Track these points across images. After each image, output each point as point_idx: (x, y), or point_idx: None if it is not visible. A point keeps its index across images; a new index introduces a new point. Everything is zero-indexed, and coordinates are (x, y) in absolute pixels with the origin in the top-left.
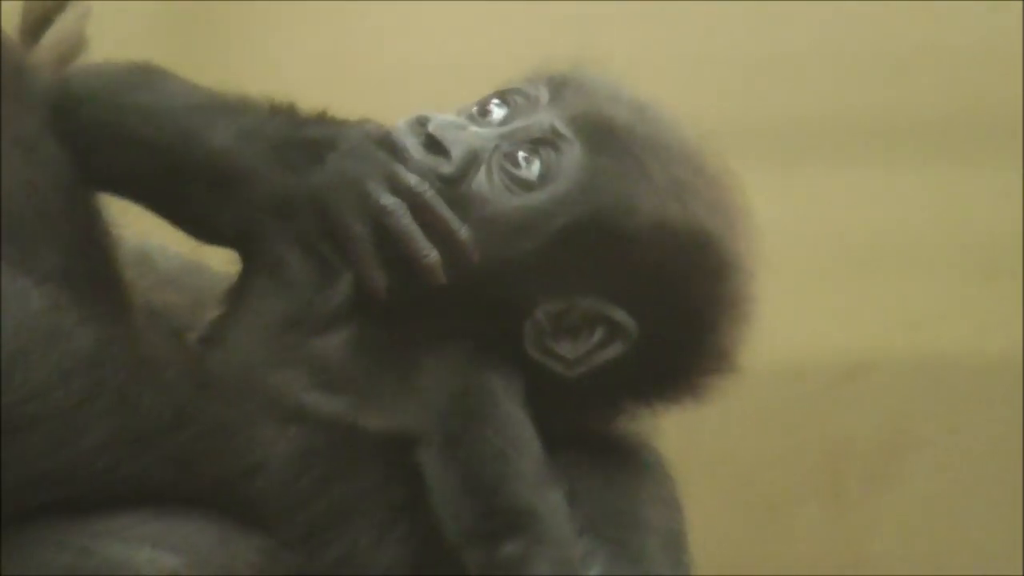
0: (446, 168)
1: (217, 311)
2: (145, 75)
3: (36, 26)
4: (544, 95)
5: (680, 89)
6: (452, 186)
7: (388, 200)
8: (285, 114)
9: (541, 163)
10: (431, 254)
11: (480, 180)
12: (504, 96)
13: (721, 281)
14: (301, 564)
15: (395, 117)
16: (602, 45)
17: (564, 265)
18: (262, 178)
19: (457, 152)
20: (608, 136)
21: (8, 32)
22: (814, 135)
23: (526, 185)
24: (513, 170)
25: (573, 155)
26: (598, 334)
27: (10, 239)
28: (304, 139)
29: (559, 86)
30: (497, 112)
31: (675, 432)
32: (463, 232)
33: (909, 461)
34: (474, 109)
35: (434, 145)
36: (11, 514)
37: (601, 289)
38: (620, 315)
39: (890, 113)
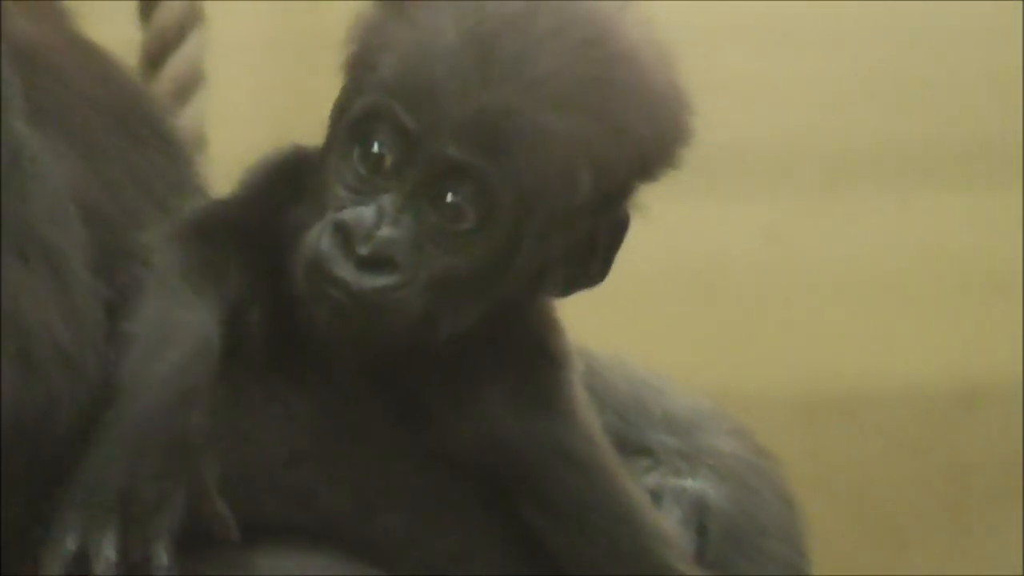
0: (394, 279)
1: None
2: None
3: (155, 58)
4: (408, 119)
5: (800, 108)
6: (409, 286)
7: None
8: None
9: (469, 206)
10: None
11: (434, 256)
12: (373, 135)
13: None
14: None
15: None
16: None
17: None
18: None
19: (404, 259)
20: (502, 136)
21: (128, 65)
22: (935, 157)
23: (471, 233)
24: (452, 231)
25: (491, 178)
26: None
27: None
28: None
29: (417, 101)
30: (386, 158)
31: (798, 454)
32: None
33: None
34: (361, 171)
35: (372, 263)
36: None
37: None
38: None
39: (1012, 136)
